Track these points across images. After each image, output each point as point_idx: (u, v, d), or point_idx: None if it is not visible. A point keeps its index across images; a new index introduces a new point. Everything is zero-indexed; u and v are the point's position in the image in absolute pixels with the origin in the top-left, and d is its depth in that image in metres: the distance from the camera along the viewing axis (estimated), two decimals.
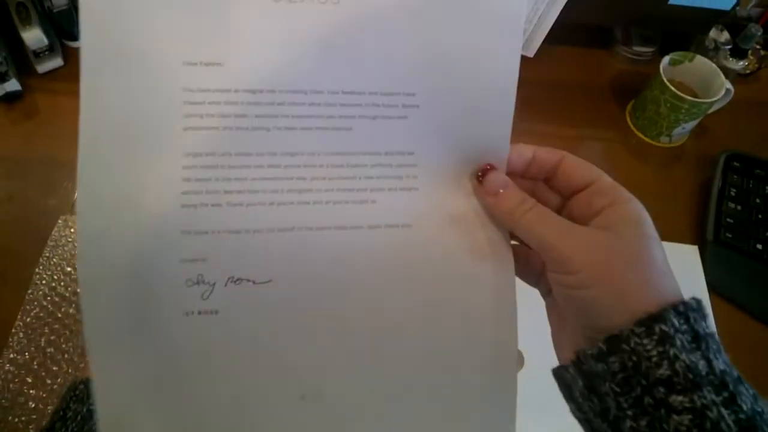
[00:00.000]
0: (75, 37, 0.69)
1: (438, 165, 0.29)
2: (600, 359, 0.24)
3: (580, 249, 0.25)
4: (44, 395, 0.48)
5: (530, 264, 0.30)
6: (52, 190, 0.59)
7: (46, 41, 0.65)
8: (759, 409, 0.22)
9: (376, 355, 0.28)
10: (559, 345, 0.28)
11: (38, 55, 0.66)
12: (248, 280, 0.26)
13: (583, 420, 0.26)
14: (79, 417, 0.36)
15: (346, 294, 0.27)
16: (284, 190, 0.27)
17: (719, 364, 0.23)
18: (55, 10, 0.65)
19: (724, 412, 0.22)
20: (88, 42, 0.25)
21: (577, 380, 0.25)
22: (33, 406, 0.48)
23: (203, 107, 0.26)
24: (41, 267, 0.54)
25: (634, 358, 0.23)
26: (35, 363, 0.49)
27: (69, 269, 0.54)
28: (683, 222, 0.62)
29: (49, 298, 0.53)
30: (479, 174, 0.29)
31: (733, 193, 0.62)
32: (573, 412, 0.26)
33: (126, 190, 0.25)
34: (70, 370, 0.49)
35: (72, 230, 0.56)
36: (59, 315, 0.52)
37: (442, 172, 0.29)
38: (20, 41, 0.63)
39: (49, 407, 0.47)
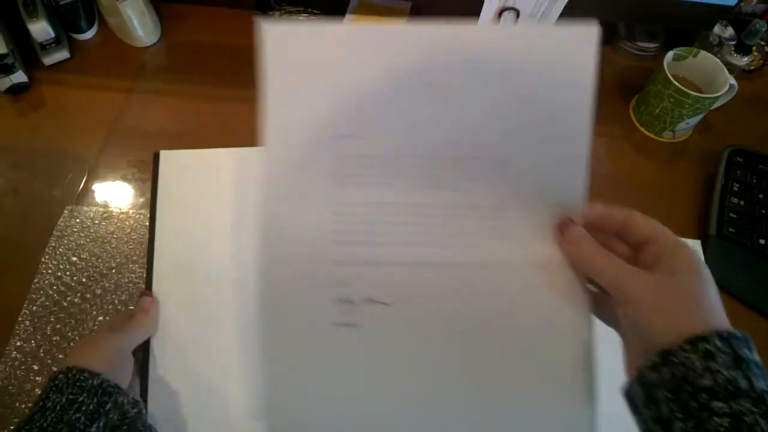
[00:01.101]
0: (81, 29, 0.70)
1: (526, 217, 0.35)
2: (655, 369, 0.29)
3: (645, 290, 0.31)
4: None
5: (605, 306, 0.35)
6: (58, 180, 0.60)
7: (52, 34, 0.65)
8: None
9: (468, 370, 0.34)
10: (629, 372, 0.32)
11: (45, 47, 0.67)
12: (379, 302, 0.34)
13: (644, 430, 0.30)
14: (58, 407, 0.36)
15: (450, 319, 0.34)
16: (408, 232, 0.35)
17: (761, 385, 0.27)
18: (61, 3, 0.65)
19: (761, 420, 0.25)
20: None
21: (639, 391, 0.30)
22: (39, 393, 0.48)
23: (351, 169, 0.35)
24: (47, 257, 0.55)
25: (682, 369, 0.28)
26: (41, 351, 0.50)
27: (75, 259, 0.55)
28: (686, 217, 0.62)
29: (54, 287, 0.53)
30: (561, 226, 0.35)
31: (736, 189, 0.62)
32: (638, 425, 0.31)
33: (297, 222, 0.35)
34: None
35: (77, 220, 0.57)
36: (65, 304, 0.52)
37: (529, 223, 0.35)
38: (27, 33, 0.64)
39: None
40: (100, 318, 0.52)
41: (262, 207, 0.35)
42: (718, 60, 0.65)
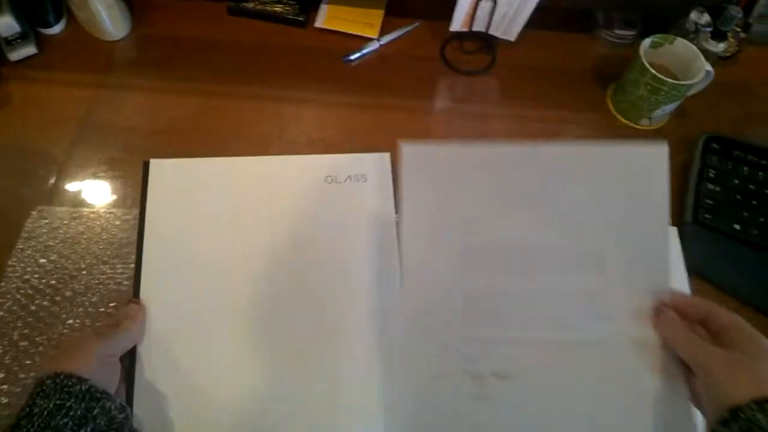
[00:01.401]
0: (49, 24, 0.68)
1: (623, 300, 0.42)
2: (725, 424, 0.33)
3: (722, 364, 0.36)
4: (18, 390, 0.47)
5: (690, 385, 0.40)
6: (27, 179, 0.58)
7: (18, 28, 0.64)
8: None
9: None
10: None
11: (10, 42, 0.65)
12: (506, 376, 0.40)
13: None
14: (45, 413, 0.35)
15: (565, 389, 0.40)
16: (525, 315, 0.41)
17: None
18: None
19: None
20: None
21: None
22: (6, 401, 0.47)
23: (476, 260, 0.42)
24: (14, 259, 0.53)
25: (749, 425, 0.32)
26: (8, 357, 0.49)
27: (43, 261, 0.53)
28: None
29: (22, 291, 0.52)
30: (656, 310, 0.41)
31: (712, 175, 0.62)
32: None
33: (432, 301, 0.41)
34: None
35: (46, 221, 0.55)
36: (33, 308, 0.51)
37: (626, 306, 0.41)
38: None
39: (22, 401, 0.46)
40: (70, 321, 0.50)
41: (405, 292, 0.42)
42: (695, 47, 0.65)
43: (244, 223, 0.51)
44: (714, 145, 0.64)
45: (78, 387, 0.37)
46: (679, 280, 0.55)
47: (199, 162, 0.55)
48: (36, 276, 0.52)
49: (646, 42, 0.64)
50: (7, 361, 0.48)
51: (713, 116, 0.69)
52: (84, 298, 0.52)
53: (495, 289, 0.42)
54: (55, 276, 0.53)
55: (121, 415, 0.39)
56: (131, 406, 0.45)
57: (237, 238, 0.51)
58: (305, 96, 0.67)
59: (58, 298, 0.52)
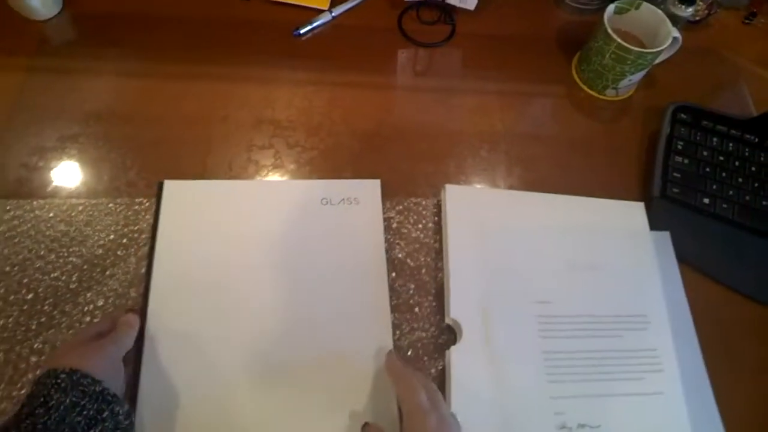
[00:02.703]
0: None
1: (671, 353, 0.49)
2: None
3: None
4: None
5: None
6: None
7: None
8: None
9: None
10: None
11: None
12: (588, 425, 0.45)
13: None
14: (61, 407, 0.35)
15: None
16: (595, 371, 0.48)
17: None
18: None
19: None
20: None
21: None
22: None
23: (547, 324, 0.49)
24: None
25: None
26: None
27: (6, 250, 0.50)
28: (630, 178, 0.60)
29: None
30: None
31: (680, 147, 0.60)
32: None
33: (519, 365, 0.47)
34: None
35: (11, 214, 0.52)
36: None
37: (674, 356, 0.49)
38: None
39: None
40: (2, 321, 0.47)
41: (489, 354, 0.47)
42: (661, 12, 0.62)
43: (248, 241, 0.52)
44: (682, 115, 0.62)
45: (92, 387, 0.37)
46: (647, 257, 0.54)
47: (210, 184, 0.55)
48: None
49: (611, 8, 0.61)
50: None
51: (682, 84, 0.67)
52: (17, 296, 0.48)
53: (566, 349, 0.48)
54: None
55: (126, 421, 0.38)
56: (134, 411, 0.44)
57: (242, 256, 0.51)
58: (252, 74, 0.63)
59: None
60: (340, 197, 0.55)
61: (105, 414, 0.37)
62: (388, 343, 0.48)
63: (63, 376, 0.37)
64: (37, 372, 0.45)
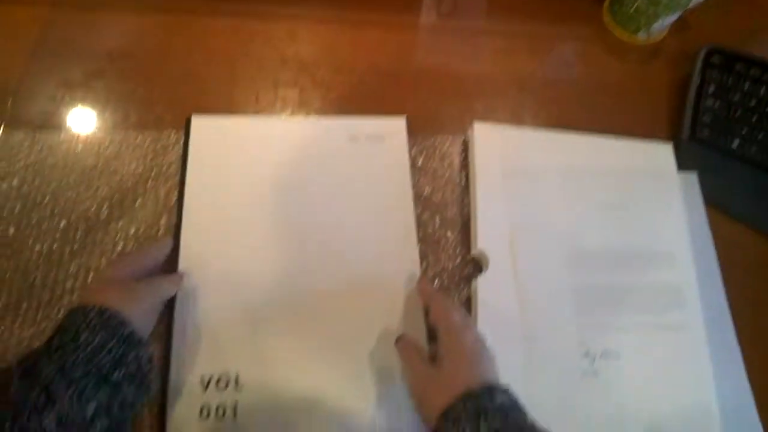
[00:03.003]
0: None
1: (694, 290, 0.50)
2: None
3: (417, 385, 0.41)
4: None
5: None
6: None
7: None
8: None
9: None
10: None
11: None
12: (611, 355, 0.47)
13: None
14: (89, 348, 0.36)
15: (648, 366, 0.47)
16: (622, 306, 0.49)
17: (495, 425, 0.33)
18: None
19: None
20: None
21: None
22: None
23: (575, 259, 0.50)
24: None
25: None
26: None
27: (4, 187, 0.50)
28: (660, 120, 0.59)
29: None
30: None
31: (711, 90, 0.59)
32: None
33: (548, 298, 0.48)
34: (13, 290, 0.47)
35: (4, 146, 0.52)
36: None
37: (697, 294, 0.50)
38: None
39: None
40: (38, 247, 0.48)
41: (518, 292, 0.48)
42: None
43: (276, 177, 0.52)
44: (715, 59, 0.61)
45: (121, 330, 0.37)
46: (674, 198, 0.53)
47: (237, 120, 0.55)
48: None
49: None
50: None
51: (715, 29, 0.65)
52: (51, 224, 0.49)
53: (593, 283, 0.49)
54: (19, 202, 0.50)
55: (148, 366, 0.39)
56: (170, 339, 0.45)
57: (270, 191, 0.52)
58: (277, 10, 0.62)
59: (23, 225, 0.49)
60: (366, 134, 0.55)
61: (130, 357, 0.37)
62: (416, 272, 0.48)
63: (93, 314, 0.37)
64: (73, 297, 0.47)
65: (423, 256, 0.50)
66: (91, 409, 0.34)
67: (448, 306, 0.41)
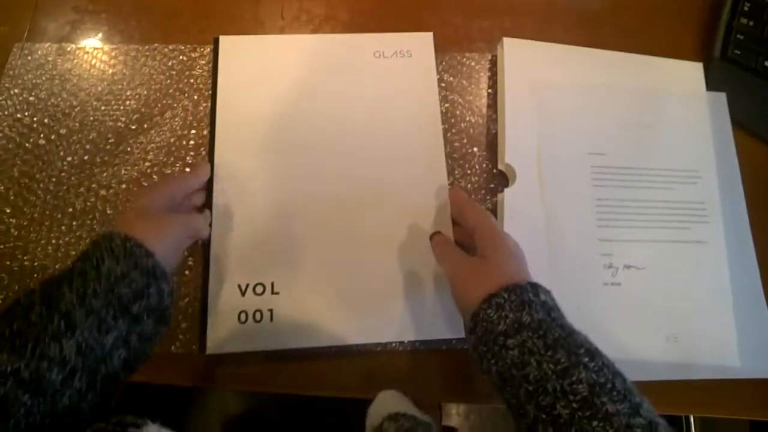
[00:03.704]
0: None
1: (717, 207, 0.51)
2: (471, 332, 0.37)
3: (461, 273, 0.41)
4: (25, 223, 0.47)
5: None
6: (2, 16, 0.54)
7: None
8: (566, 333, 0.34)
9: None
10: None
11: None
12: (634, 267, 0.48)
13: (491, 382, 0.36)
14: (112, 277, 0.35)
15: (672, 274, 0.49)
16: (640, 219, 0.49)
17: (539, 316, 0.34)
18: None
19: (537, 341, 0.33)
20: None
21: (471, 353, 0.37)
22: (16, 233, 0.47)
23: (600, 174, 0.50)
24: (2, 98, 0.51)
25: (485, 324, 0.35)
26: (11, 194, 0.48)
27: (32, 99, 0.51)
28: (690, 39, 0.58)
29: (15, 129, 0.50)
30: (431, 236, 0.46)
31: (746, 8, 0.57)
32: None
33: (570, 213, 0.49)
34: (48, 198, 0.48)
35: (30, 58, 0.52)
36: (28, 146, 0.49)
37: (720, 211, 0.51)
38: None
39: (32, 234, 0.47)
40: (69, 159, 0.49)
41: (544, 206, 0.48)
42: None
43: (305, 94, 0.52)
44: None
45: (145, 261, 0.36)
46: (701, 117, 0.53)
47: (264, 39, 0.54)
48: (27, 114, 0.50)
49: None
50: (12, 198, 0.48)
51: None
52: (80, 135, 0.50)
53: (615, 197, 0.49)
54: (47, 114, 0.50)
55: (168, 300, 0.38)
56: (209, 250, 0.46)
57: (300, 108, 0.51)
58: None
59: (53, 136, 0.50)
60: (393, 50, 0.54)
61: (151, 289, 0.36)
62: (444, 184, 0.49)
63: (117, 241, 0.36)
64: (107, 207, 0.48)
65: (450, 171, 0.50)
66: (110, 339, 0.33)
67: (484, 211, 0.42)
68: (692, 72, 0.55)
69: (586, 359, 0.32)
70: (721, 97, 0.54)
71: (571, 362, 0.31)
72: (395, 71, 0.53)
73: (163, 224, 0.40)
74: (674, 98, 0.54)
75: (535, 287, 0.36)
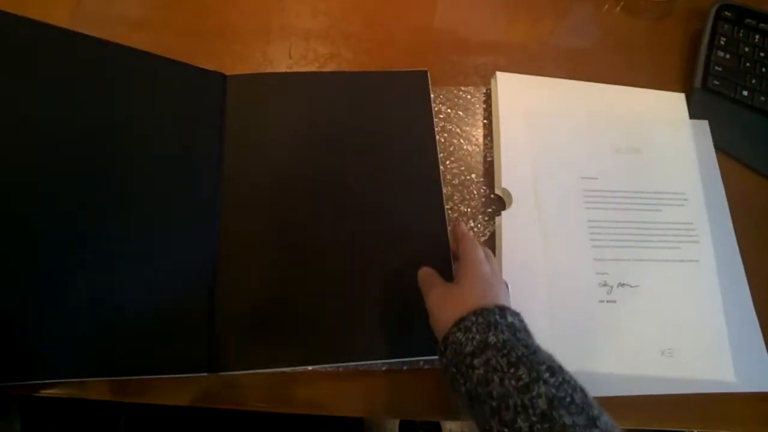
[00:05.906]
0: None
1: (706, 228, 0.53)
2: (443, 355, 0.38)
3: (436, 301, 0.42)
4: None
5: None
6: None
7: None
8: (529, 351, 0.35)
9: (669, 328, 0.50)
10: None
11: None
12: (627, 285, 0.50)
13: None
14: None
15: (669, 293, 0.51)
16: (633, 239, 0.52)
17: (503, 336, 0.36)
18: None
19: (500, 359, 0.34)
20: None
21: (444, 376, 0.38)
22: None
23: (593, 197, 0.53)
24: None
25: (455, 346, 0.37)
26: None
27: None
28: (673, 72, 0.62)
29: None
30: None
31: (722, 43, 0.61)
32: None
33: (566, 234, 0.52)
34: None
35: None
36: None
37: (709, 231, 0.53)
38: None
39: None
40: None
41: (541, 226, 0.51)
42: None
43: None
44: (726, 13, 0.63)
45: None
46: (686, 143, 0.56)
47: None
48: None
49: None
50: None
51: None
52: None
53: (608, 219, 0.52)
54: None
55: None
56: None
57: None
58: None
59: None
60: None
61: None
62: (441, 211, 0.51)
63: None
64: None
65: (449, 197, 0.53)
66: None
67: (475, 244, 0.44)
68: (676, 102, 0.59)
69: (547, 375, 0.33)
70: (704, 124, 0.58)
71: (532, 378, 0.33)
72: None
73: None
74: (660, 125, 0.57)
75: (503, 310, 0.38)
